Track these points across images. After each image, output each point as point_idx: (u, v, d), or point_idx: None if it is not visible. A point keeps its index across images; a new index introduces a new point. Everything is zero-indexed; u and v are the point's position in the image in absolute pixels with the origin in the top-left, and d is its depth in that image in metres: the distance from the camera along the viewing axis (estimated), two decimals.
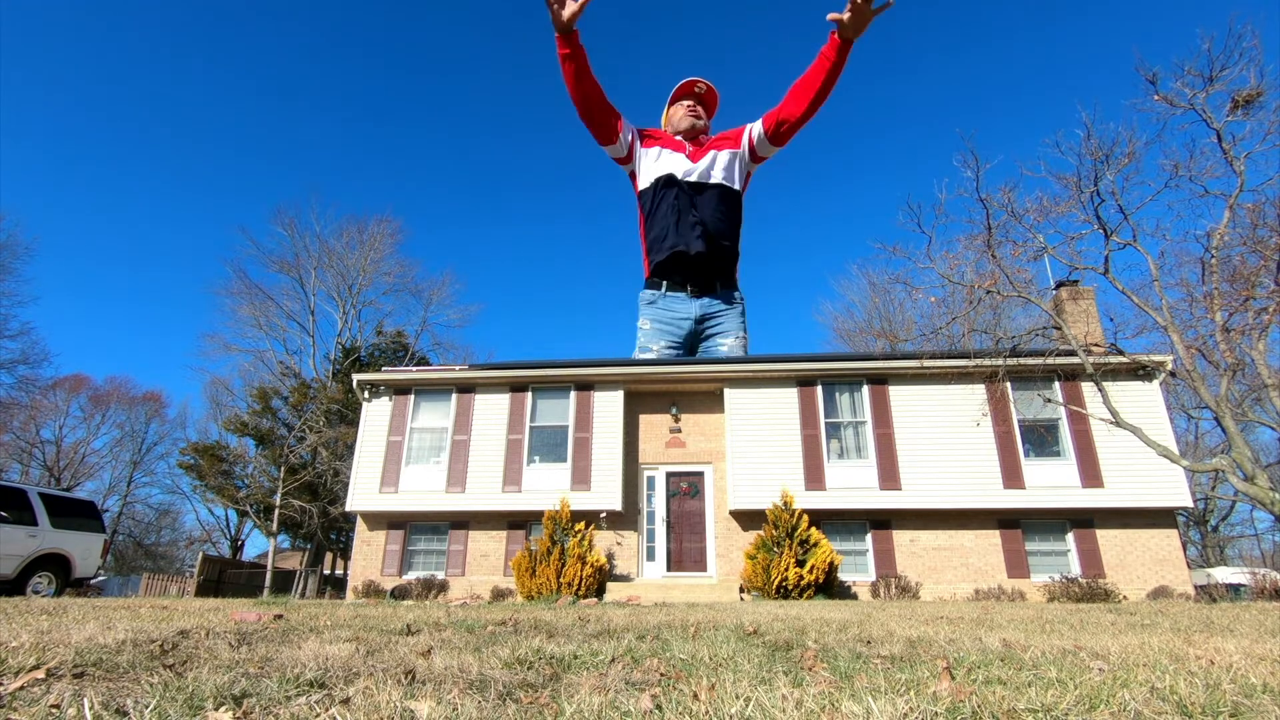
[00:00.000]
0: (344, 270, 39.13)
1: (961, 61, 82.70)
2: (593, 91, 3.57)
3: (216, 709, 1.54)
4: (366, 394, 19.82)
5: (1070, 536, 16.98)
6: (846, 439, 18.06)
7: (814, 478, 17.31)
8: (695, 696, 1.67)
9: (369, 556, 18.55)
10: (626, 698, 1.68)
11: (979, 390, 17.36)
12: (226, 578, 27.00)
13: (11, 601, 6.61)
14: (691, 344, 3.72)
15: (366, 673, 2.00)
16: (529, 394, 19.28)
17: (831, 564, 14.67)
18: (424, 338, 40.95)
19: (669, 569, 17.65)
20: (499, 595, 16.58)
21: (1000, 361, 15.23)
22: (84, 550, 13.50)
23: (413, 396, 19.69)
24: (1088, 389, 16.82)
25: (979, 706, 1.57)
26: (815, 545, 14.79)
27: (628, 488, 18.22)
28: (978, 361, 15.87)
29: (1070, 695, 1.69)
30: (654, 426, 19.02)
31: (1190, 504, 17.12)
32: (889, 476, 17.25)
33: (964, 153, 24.30)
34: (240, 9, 70.99)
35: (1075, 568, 16.65)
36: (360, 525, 18.95)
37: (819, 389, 18.28)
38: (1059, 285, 18.95)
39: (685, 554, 17.86)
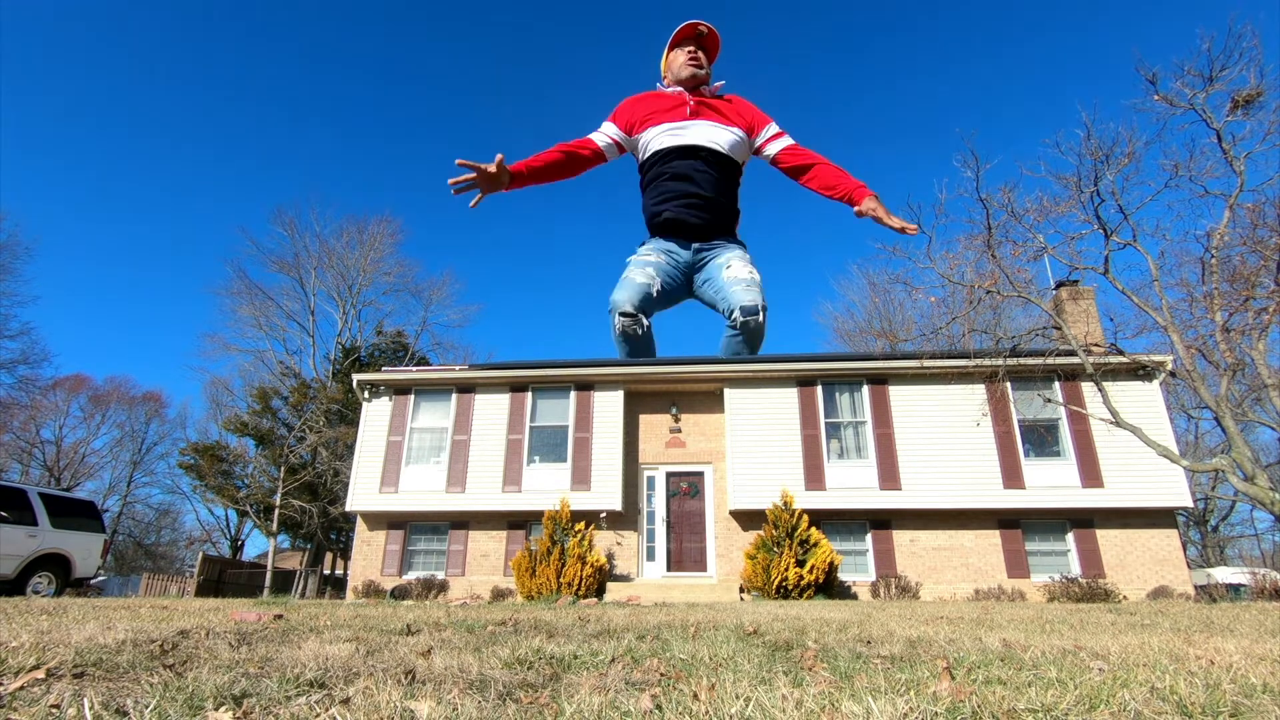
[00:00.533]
0: (344, 270, 39.13)
1: (961, 61, 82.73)
2: (568, 172, 3.45)
3: (216, 709, 1.54)
4: (366, 394, 19.82)
5: (1070, 536, 16.98)
6: (846, 439, 18.06)
7: (814, 478, 17.31)
8: (695, 696, 1.67)
9: (369, 556, 18.55)
10: (626, 698, 1.68)
11: (979, 390, 17.36)
12: (226, 578, 26.99)
13: (11, 601, 6.62)
14: (688, 274, 3.55)
15: (366, 673, 2.00)
16: (529, 394, 19.28)
17: (831, 564, 14.68)
18: (424, 338, 40.95)
19: (669, 569, 17.65)
20: (499, 595, 16.59)
21: (1000, 361, 15.24)
22: (84, 550, 13.49)
23: (413, 396, 19.69)
24: (1088, 389, 16.81)
25: (979, 706, 1.57)
26: (815, 545, 14.79)
27: (628, 488, 18.22)
28: (978, 361, 15.88)
29: (1070, 695, 1.69)
30: (654, 426, 19.03)
31: (1190, 504, 17.12)
32: (889, 476, 17.25)
33: (964, 153, 24.33)
34: (242, 10, 71.00)
35: (1075, 568, 16.65)
36: (360, 525, 18.95)
37: (819, 389, 18.28)
38: (1059, 285, 18.96)
39: (685, 554, 17.86)
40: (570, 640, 2.70)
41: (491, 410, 19.23)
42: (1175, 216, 18.91)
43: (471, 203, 3.01)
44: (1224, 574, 24.85)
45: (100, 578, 15.14)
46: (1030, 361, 15.82)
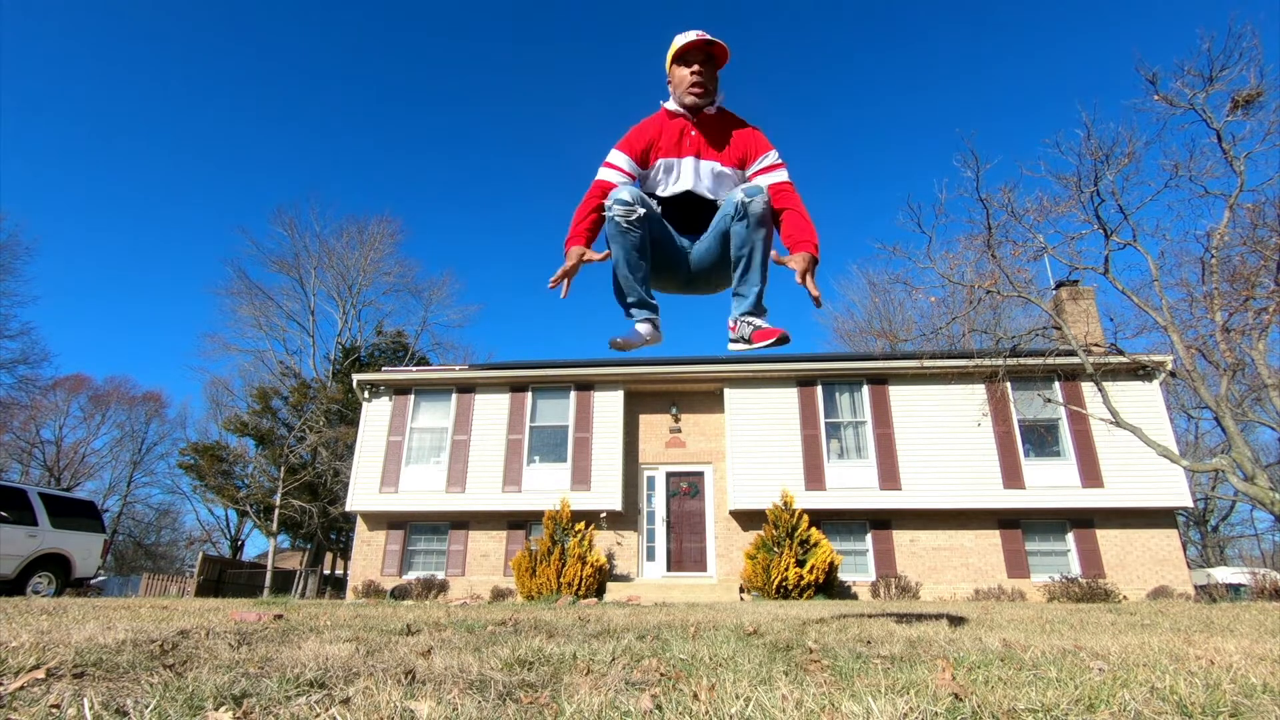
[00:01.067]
0: (344, 270, 39.11)
1: (961, 61, 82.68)
2: None
3: (216, 709, 1.54)
4: (366, 394, 19.83)
5: (1070, 536, 16.98)
6: (846, 439, 18.06)
7: (814, 478, 17.32)
8: (695, 696, 1.67)
9: (369, 556, 18.55)
10: (626, 698, 1.68)
11: (979, 390, 17.36)
12: (226, 578, 26.99)
13: (11, 601, 6.62)
14: (684, 250, 3.66)
15: (366, 673, 2.00)
16: (529, 394, 19.28)
17: (831, 564, 14.67)
18: (424, 338, 40.93)
19: (669, 569, 17.65)
20: (499, 595, 16.59)
21: (1000, 361, 15.24)
22: (84, 550, 13.49)
23: (413, 396, 19.70)
24: (1088, 389, 16.82)
25: (979, 706, 1.57)
26: (815, 545, 14.79)
27: (628, 488, 18.22)
28: (978, 361, 15.88)
29: (1070, 695, 1.69)
30: (654, 426, 19.03)
31: (1190, 504, 17.13)
32: (889, 476, 17.25)
33: (964, 153, 24.33)
34: (243, 9, 70.99)
35: (1075, 568, 16.65)
36: (360, 525, 18.96)
37: (819, 389, 18.28)
38: (1059, 285, 18.96)
39: (685, 554, 17.87)
40: (570, 640, 2.70)
41: (491, 410, 19.23)
42: (1175, 216, 18.97)
43: (563, 294, 3.18)
44: (1224, 574, 24.83)
45: (100, 578, 15.15)
46: (1030, 361, 15.82)
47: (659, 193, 3.41)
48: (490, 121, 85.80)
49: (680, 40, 3.32)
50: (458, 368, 22.22)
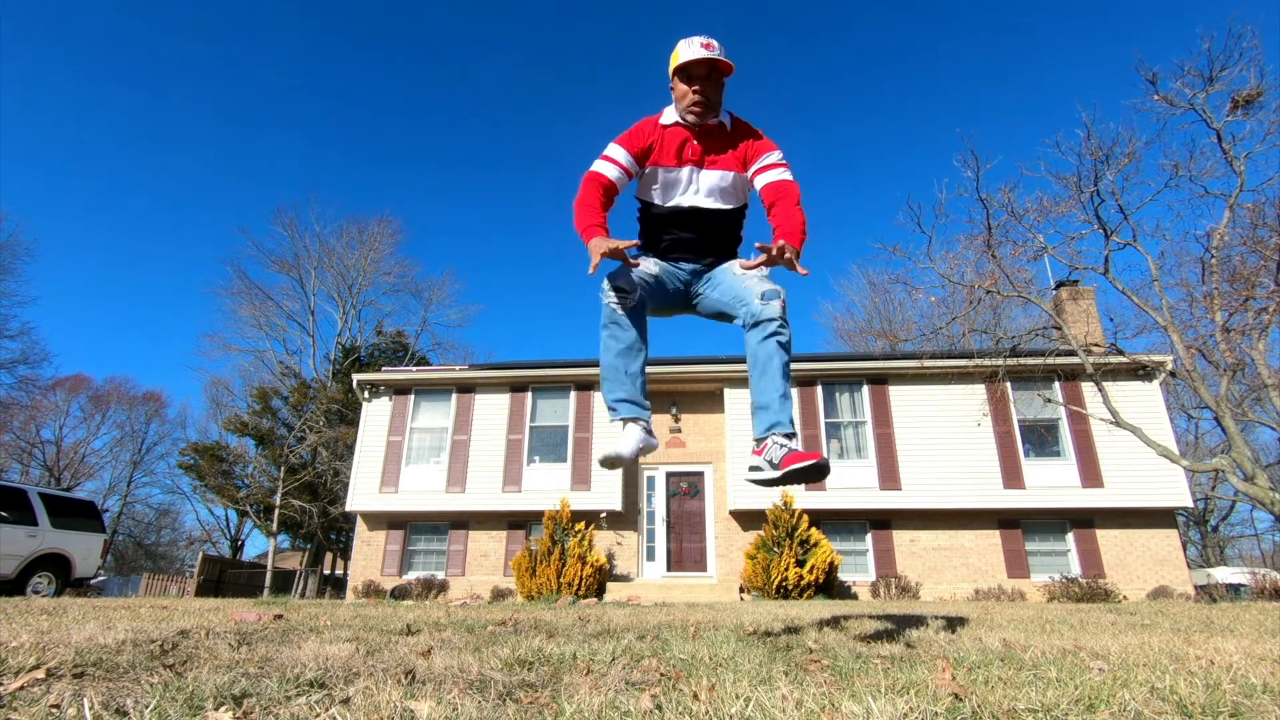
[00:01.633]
0: (344, 270, 39.13)
1: (962, 61, 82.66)
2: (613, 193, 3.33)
3: (216, 709, 1.55)
4: (366, 394, 19.83)
5: (1070, 536, 16.99)
6: (846, 439, 18.07)
7: None
8: (695, 696, 1.67)
9: (369, 556, 18.56)
10: (626, 698, 1.68)
11: (979, 390, 17.38)
12: (226, 578, 26.99)
13: (11, 601, 6.61)
14: (687, 285, 3.46)
15: (366, 673, 2.00)
16: (529, 394, 19.29)
17: (831, 564, 14.67)
18: (424, 338, 40.95)
19: (669, 569, 17.66)
20: (499, 595, 16.59)
21: (1000, 361, 15.25)
22: (84, 550, 13.49)
23: (413, 396, 19.70)
24: (1088, 389, 16.82)
25: (979, 706, 1.57)
26: (815, 545, 14.79)
27: (628, 488, 18.22)
28: (978, 361, 15.90)
29: (1070, 695, 1.69)
30: (654, 426, 19.00)
31: (1190, 504, 17.15)
32: (889, 476, 17.26)
33: (964, 153, 24.29)
34: (243, 9, 70.98)
35: (1075, 568, 16.65)
36: (360, 525, 18.96)
37: (819, 389, 18.29)
38: (1059, 285, 18.96)
39: (685, 554, 17.87)
40: (570, 640, 2.70)
41: (491, 410, 19.24)
42: (1175, 216, 18.87)
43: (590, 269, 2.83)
44: (1224, 574, 24.83)
45: (100, 578, 15.15)
46: (1030, 361, 15.83)
47: (656, 202, 3.27)
48: (493, 120, 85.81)
49: (683, 55, 3.13)
50: (458, 368, 22.24)
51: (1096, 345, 16.86)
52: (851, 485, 17.30)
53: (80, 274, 77.61)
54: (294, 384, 35.09)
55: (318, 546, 33.95)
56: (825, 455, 2.63)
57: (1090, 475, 16.82)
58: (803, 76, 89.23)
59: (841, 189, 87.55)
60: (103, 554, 13.97)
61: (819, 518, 16.73)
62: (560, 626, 4.00)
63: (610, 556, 17.42)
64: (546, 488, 17.85)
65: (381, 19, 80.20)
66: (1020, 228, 14.27)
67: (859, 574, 17.00)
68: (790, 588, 14.18)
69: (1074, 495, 16.74)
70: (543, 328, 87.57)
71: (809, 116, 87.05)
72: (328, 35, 78.98)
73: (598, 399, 18.84)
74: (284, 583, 31.46)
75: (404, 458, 19.06)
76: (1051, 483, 16.91)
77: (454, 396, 19.54)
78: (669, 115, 3.29)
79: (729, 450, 17.90)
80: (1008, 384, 17.26)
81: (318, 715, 1.51)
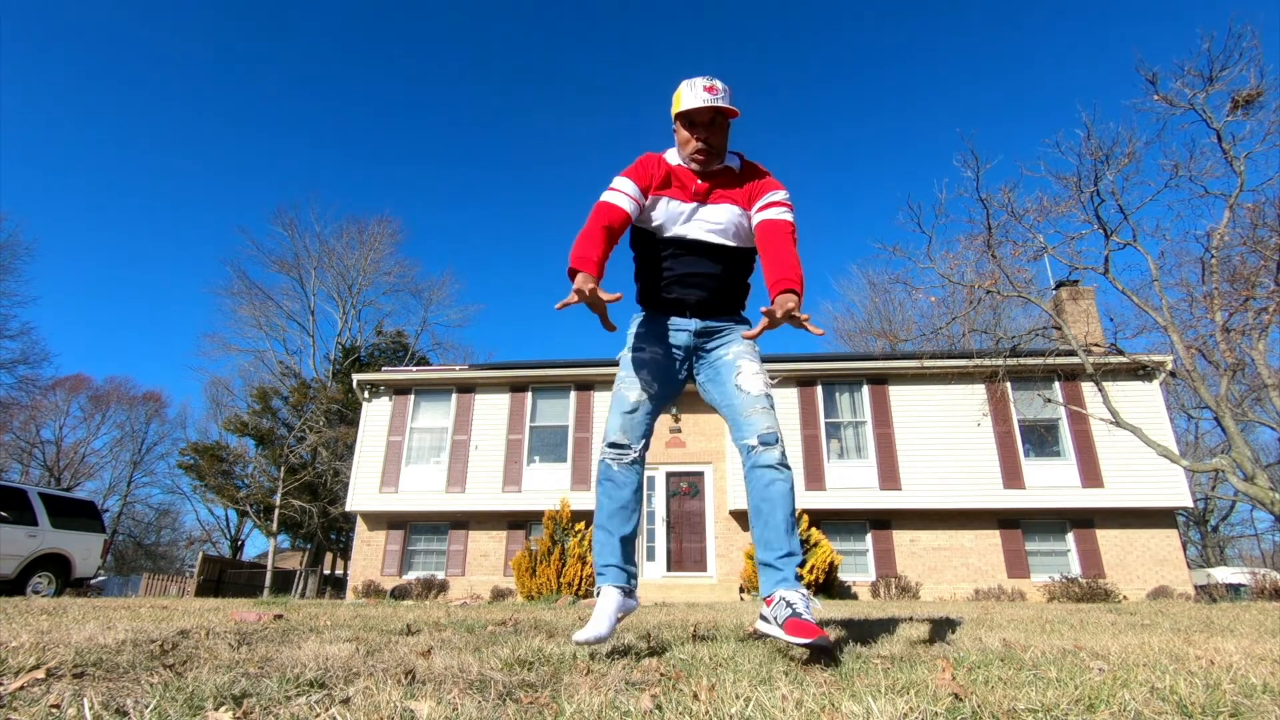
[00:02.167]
0: (344, 270, 39.16)
1: (961, 61, 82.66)
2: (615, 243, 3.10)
3: (217, 709, 1.55)
4: (366, 394, 19.84)
5: (1070, 536, 16.99)
6: (846, 439, 18.07)
7: (814, 477, 17.32)
8: (695, 696, 1.67)
9: (369, 557, 18.56)
10: (627, 698, 1.68)
11: (979, 390, 17.39)
12: (226, 578, 27.00)
13: (11, 601, 6.62)
14: (688, 357, 3.26)
15: (366, 673, 2.00)
16: (529, 394, 19.30)
17: (831, 564, 14.67)
18: (424, 338, 40.98)
19: (669, 569, 17.65)
20: (499, 595, 16.59)
21: (1000, 361, 15.26)
22: (84, 550, 13.49)
23: (413, 396, 19.71)
24: (1088, 389, 16.83)
25: (979, 706, 1.57)
26: (815, 545, 14.79)
27: None
28: (978, 361, 15.90)
29: (1070, 695, 1.69)
30: (656, 424, 19.01)
31: (1190, 504, 17.15)
32: (889, 476, 17.26)
33: (964, 153, 24.29)
34: (244, 9, 71.01)
35: (1075, 568, 16.66)
36: (360, 525, 18.97)
37: (819, 389, 18.29)
38: (1059, 285, 18.97)
39: (685, 554, 17.87)
40: (571, 640, 2.70)
41: (491, 410, 19.25)
42: (1175, 216, 18.93)
43: (559, 305, 2.64)
44: (1224, 574, 24.84)
45: (100, 578, 15.15)
46: (1030, 361, 15.84)
47: (657, 231, 3.09)
48: (494, 119, 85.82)
49: (684, 100, 2.97)
50: (458, 368, 22.25)
51: (1096, 345, 16.87)
52: (851, 485, 17.31)
53: (80, 274, 77.71)
54: (294, 384, 35.11)
55: (318, 546, 33.98)
56: (829, 638, 2.36)
57: (1090, 475, 16.82)
58: (802, 75, 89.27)
59: (841, 189, 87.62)
60: (103, 554, 13.97)
61: (819, 518, 16.73)
62: (560, 626, 4.00)
63: None
64: (547, 488, 17.85)
65: (381, 14, 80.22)
66: (1020, 228, 14.29)
67: (859, 574, 17.00)
68: None
69: (1074, 495, 16.74)
70: (543, 327, 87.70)
71: (808, 116, 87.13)
72: (328, 34, 79.02)
73: (598, 399, 18.86)
74: (284, 583, 31.46)
75: (404, 458, 19.07)
76: (1051, 483, 16.92)
77: (454, 396, 19.55)
78: (674, 157, 3.16)
79: (729, 450, 17.90)
80: (1008, 384, 17.27)
81: (318, 715, 1.51)
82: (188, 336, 78.68)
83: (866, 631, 3.55)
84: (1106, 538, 16.75)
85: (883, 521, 17.37)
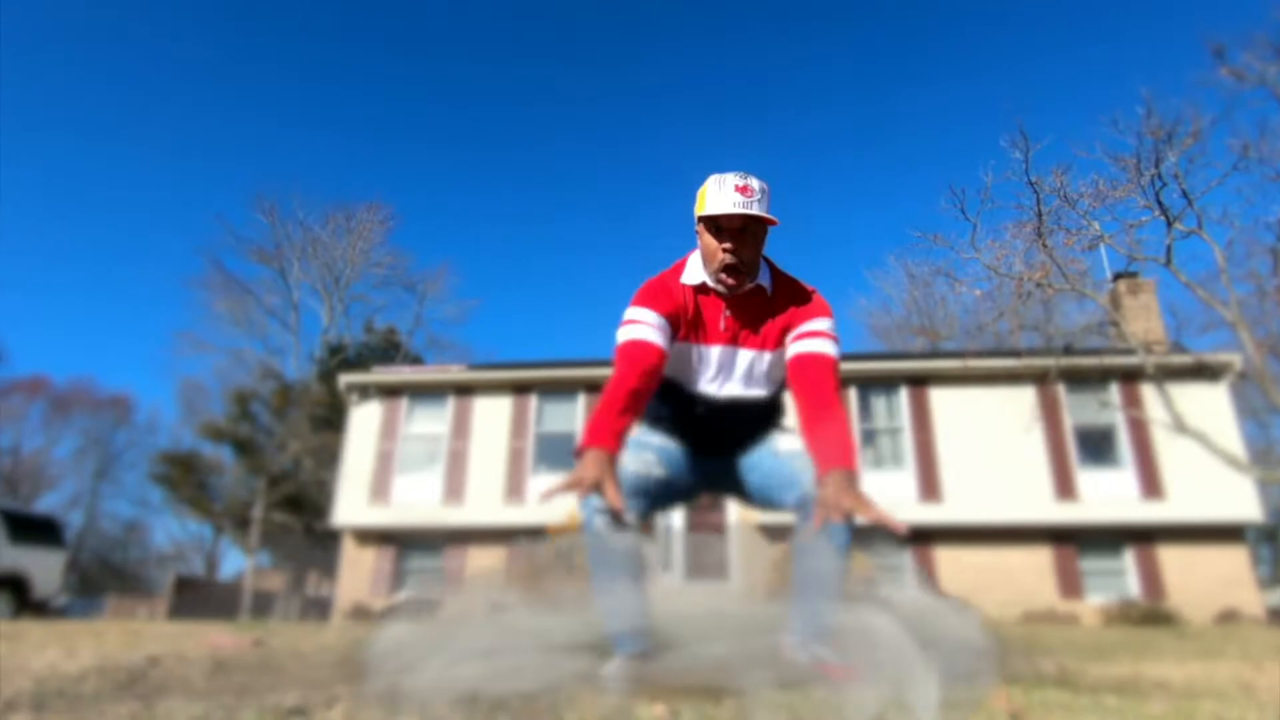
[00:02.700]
0: (330, 261, 38.94)
1: (1009, 34, 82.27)
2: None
3: None
4: (355, 396, 19.87)
5: (1128, 554, 16.86)
6: (882, 446, 18.00)
7: None
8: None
9: (357, 576, 18.56)
10: (630, 703, 1.68)
11: (1028, 393, 17.27)
12: (201, 599, 27.10)
13: None
14: (704, 465, 3.02)
15: (349, 696, 1.99)
16: (534, 397, 19.27)
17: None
18: (418, 335, 40.78)
19: (687, 578, 17.57)
20: None
21: (1052, 361, 15.16)
22: (44, 569, 13.52)
23: (405, 400, 19.71)
24: (1148, 391, 16.71)
25: None
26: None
27: None
28: (1027, 361, 15.80)
29: None
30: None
31: (1261, 518, 16.98)
32: (929, 488, 17.17)
33: (1012, 133, 24.13)
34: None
35: (1134, 588, 16.53)
36: (348, 542, 18.97)
37: (853, 392, 18.19)
38: (1116, 277, 18.78)
39: (705, 564, 17.80)
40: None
41: (492, 415, 19.22)
42: (1244, 202, 18.74)
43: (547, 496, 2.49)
44: None
45: (62, 599, 15.22)
46: (1085, 361, 15.74)
47: (680, 385, 2.77)
48: (493, 109, 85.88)
49: (711, 202, 2.57)
50: (455, 368, 22.23)
51: (1157, 343, 16.76)
52: (888, 497, 17.21)
53: (36, 264, 78.01)
54: (275, 386, 35.10)
55: (301, 565, 34.00)
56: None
57: (1150, 486, 16.69)
58: (836, 43, 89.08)
59: (878, 168, 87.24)
60: (64, 573, 14.03)
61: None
62: None
63: None
64: (553, 500, 17.78)
65: (375, 7, 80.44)
66: (1074, 214, 14.16)
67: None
68: None
69: (1132, 508, 16.59)
70: (549, 324, 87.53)
71: (841, 89, 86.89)
72: (317, 13, 79.27)
73: None
74: (264, 604, 31.51)
75: (396, 467, 19.05)
76: (1108, 494, 16.77)
77: (451, 400, 19.54)
78: (693, 273, 2.74)
79: None
80: (1060, 386, 17.16)
81: None
82: (157, 334, 78.90)
83: None
84: (1168, 555, 16.60)
85: (922, 537, 17.28)
